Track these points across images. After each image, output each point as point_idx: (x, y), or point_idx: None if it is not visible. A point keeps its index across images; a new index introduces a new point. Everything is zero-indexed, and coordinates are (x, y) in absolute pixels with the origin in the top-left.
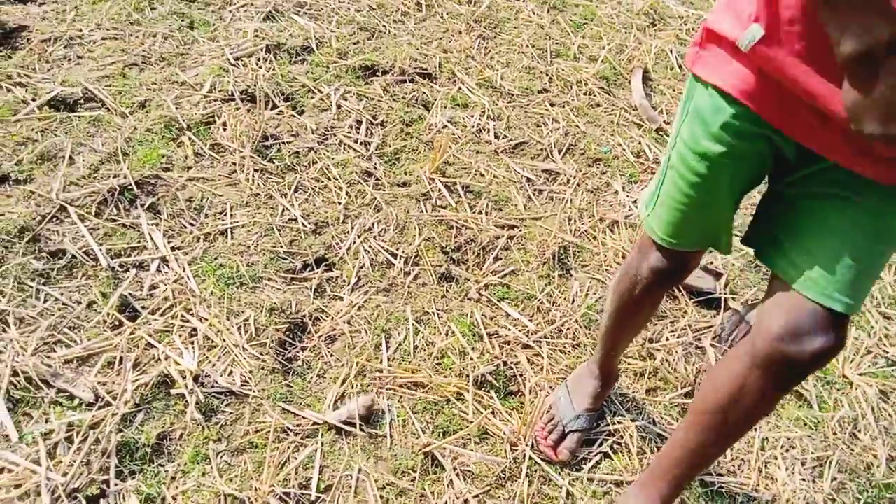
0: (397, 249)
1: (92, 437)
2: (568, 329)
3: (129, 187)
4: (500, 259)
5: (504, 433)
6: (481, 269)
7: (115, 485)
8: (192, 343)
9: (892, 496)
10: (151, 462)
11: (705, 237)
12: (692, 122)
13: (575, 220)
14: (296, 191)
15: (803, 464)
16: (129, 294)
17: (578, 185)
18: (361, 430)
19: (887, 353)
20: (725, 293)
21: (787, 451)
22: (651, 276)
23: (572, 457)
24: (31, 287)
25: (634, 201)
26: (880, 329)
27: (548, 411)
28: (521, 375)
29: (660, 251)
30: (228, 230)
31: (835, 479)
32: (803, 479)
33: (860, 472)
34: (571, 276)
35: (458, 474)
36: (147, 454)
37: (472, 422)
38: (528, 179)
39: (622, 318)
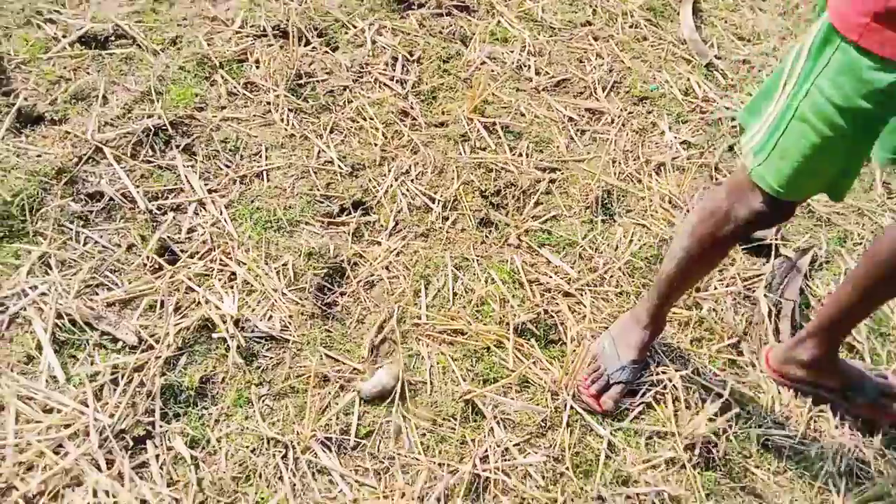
0: (435, 193)
1: (136, 379)
2: (611, 277)
3: (164, 128)
4: (541, 203)
5: (545, 382)
6: (521, 214)
7: (161, 426)
8: (232, 287)
9: None
10: (195, 405)
11: (824, 185)
12: (839, 78)
13: (619, 163)
14: (331, 131)
15: (856, 417)
16: (168, 237)
17: (623, 125)
18: (394, 400)
19: None
20: (776, 239)
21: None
22: (751, 219)
23: (616, 407)
24: (71, 229)
25: (682, 142)
26: None
27: (593, 361)
28: (562, 324)
29: (765, 198)
30: (264, 172)
31: (886, 434)
32: (853, 435)
33: None
34: (615, 221)
35: (498, 422)
36: (191, 397)
37: (512, 370)
38: (571, 119)
39: (695, 262)
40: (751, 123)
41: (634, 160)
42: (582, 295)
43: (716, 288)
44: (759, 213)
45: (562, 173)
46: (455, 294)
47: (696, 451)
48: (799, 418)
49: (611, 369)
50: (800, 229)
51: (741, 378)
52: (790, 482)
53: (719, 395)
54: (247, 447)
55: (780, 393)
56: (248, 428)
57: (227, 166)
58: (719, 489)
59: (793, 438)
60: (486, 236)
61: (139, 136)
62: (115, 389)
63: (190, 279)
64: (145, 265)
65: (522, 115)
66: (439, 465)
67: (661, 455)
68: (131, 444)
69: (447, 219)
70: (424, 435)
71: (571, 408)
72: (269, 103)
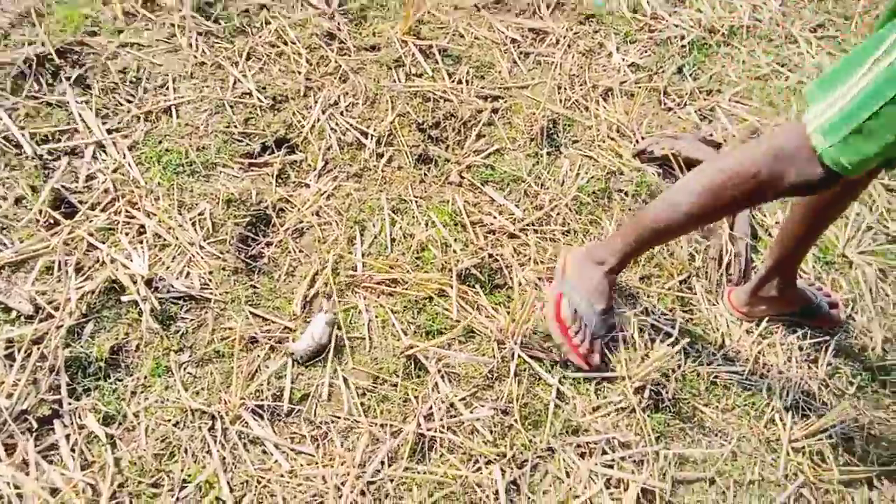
0: (368, 127)
1: (36, 353)
2: (558, 215)
3: (50, 57)
4: (484, 136)
5: (491, 331)
6: (462, 149)
7: (69, 404)
8: (141, 242)
9: (885, 378)
10: (107, 377)
11: (887, 160)
12: None
13: (565, 89)
14: (248, 58)
15: (801, 349)
16: (63, 187)
17: (569, 46)
18: (328, 354)
19: (888, 228)
20: None
21: (785, 336)
22: (801, 187)
23: (602, 361)
24: None
25: (630, 65)
26: (882, 203)
27: (574, 321)
28: (507, 268)
29: (827, 171)
30: (172, 108)
31: (830, 363)
32: (799, 367)
33: (855, 354)
34: (561, 153)
35: (442, 377)
36: (101, 369)
37: (457, 321)
38: (514, 41)
39: (703, 218)
40: (818, 99)
41: (581, 85)
42: (527, 235)
43: None
44: (811, 182)
45: (505, 102)
46: (393, 240)
47: (646, 394)
48: (748, 353)
49: (592, 325)
50: None
51: (690, 316)
52: (738, 419)
53: (668, 335)
54: (169, 421)
55: (729, 328)
56: (168, 399)
57: (129, 101)
58: (669, 430)
59: (741, 374)
60: (425, 174)
61: (20, 67)
62: (11, 366)
63: (91, 235)
64: (38, 221)
65: (461, 36)
66: (381, 426)
67: (610, 400)
68: (35, 425)
69: (382, 156)
70: (364, 395)
71: (519, 357)
72: (173, 25)
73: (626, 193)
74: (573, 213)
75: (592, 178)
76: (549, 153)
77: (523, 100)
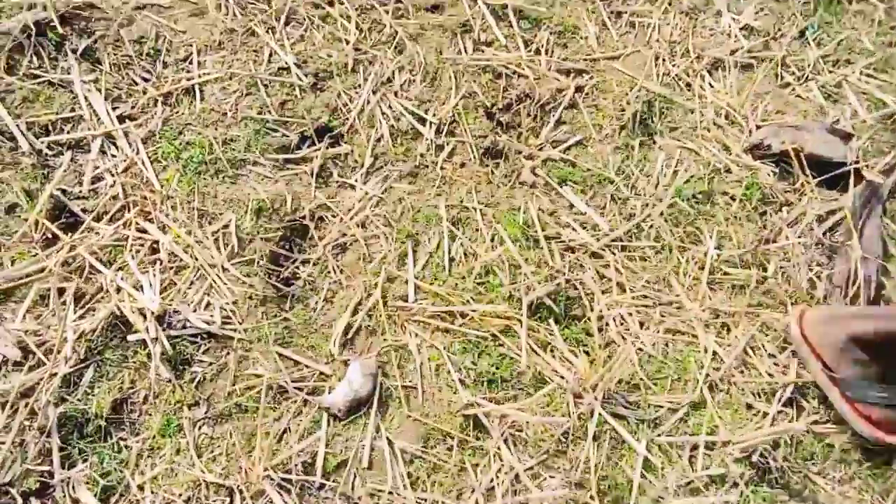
0: (426, 112)
1: (23, 410)
2: (651, 227)
3: (52, 24)
4: (564, 123)
5: (566, 381)
6: (538, 138)
7: (61, 474)
8: (154, 264)
9: None
10: (107, 438)
11: None
12: None
13: (664, 60)
14: (287, 23)
15: None
16: (64, 191)
17: (670, 3)
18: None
19: None
20: (855, 161)
21: None
22: None
23: None
24: None
25: (743, 27)
26: None
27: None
28: (588, 295)
29: None
30: (196, 88)
31: None
32: None
33: None
34: (655, 143)
35: (506, 440)
36: (101, 428)
37: (526, 367)
38: None
39: None
40: None
41: (683, 55)
42: (613, 253)
43: (787, 238)
44: None
45: (591, 78)
46: (452, 259)
47: (751, 462)
48: None
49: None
50: (882, 145)
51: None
52: (858, 492)
53: (781, 385)
54: (179, 496)
55: None
56: (180, 466)
57: (145, 80)
58: None
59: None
60: (492, 172)
61: (16, 37)
62: None
63: (94, 254)
64: (33, 236)
65: None
66: None
67: (708, 473)
68: (20, 502)
69: (441, 148)
70: (412, 462)
71: (599, 415)
72: None
73: (732, 197)
74: (669, 223)
75: (693, 177)
76: (641, 143)
77: (614, 75)
